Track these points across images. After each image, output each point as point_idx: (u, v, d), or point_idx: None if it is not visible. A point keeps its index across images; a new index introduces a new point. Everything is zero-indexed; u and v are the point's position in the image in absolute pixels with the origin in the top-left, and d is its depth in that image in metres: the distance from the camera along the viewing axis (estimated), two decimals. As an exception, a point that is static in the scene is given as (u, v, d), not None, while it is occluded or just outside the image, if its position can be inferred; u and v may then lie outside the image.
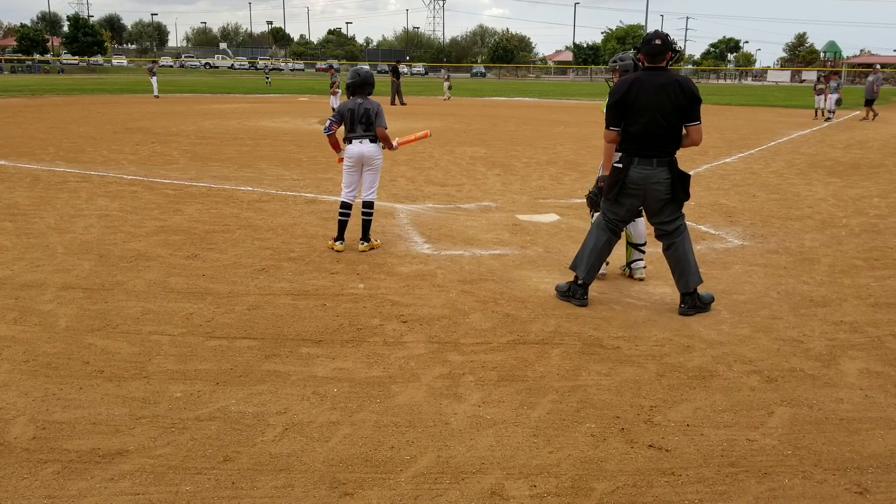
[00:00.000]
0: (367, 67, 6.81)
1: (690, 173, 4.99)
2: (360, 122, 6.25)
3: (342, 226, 6.53)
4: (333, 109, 20.01)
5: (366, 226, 6.50)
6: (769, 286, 5.64)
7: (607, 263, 5.64)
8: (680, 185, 4.85)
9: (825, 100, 24.67)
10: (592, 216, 5.66)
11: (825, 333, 4.66)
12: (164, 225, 7.33)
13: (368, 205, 6.50)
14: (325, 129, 6.39)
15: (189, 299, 5.08)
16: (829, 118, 24.30)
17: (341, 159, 6.46)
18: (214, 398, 3.61)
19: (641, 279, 5.74)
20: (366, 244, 6.47)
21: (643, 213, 5.26)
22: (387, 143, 6.39)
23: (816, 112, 25.44)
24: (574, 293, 5.13)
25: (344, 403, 3.59)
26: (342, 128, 6.36)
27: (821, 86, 25.11)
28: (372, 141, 6.30)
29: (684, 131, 4.84)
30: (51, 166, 11.23)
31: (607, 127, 4.89)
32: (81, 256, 6.11)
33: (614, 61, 5.65)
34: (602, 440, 3.28)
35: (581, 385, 3.84)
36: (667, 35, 4.81)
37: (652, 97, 4.68)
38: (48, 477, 2.92)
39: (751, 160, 13.67)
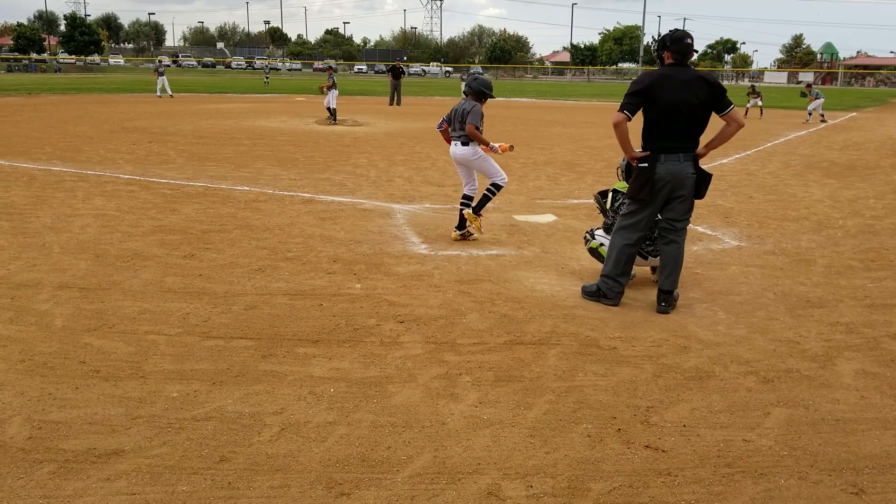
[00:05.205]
0: (487, 76, 7.36)
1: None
2: (457, 121, 6.70)
3: (460, 215, 6.98)
4: (329, 109, 20.09)
5: (484, 200, 6.91)
6: (766, 287, 5.65)
7: (633, 275, 5.65)
8: (703, 182, 4.94)
9: (812, 103, 24.88)
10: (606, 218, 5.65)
11: (821, 334, 4.67)
12: (161, 224, 7.32)
13: (494, 185, 6.87)
14: (438, 125, 6.96)
15: (186, 299, 5.07)
16: (824, 120, 24.56)
17: None
18: (211, 398, 3.61)
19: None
20: (476, 217, 6.85)
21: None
22: (476, 139, 6.65)
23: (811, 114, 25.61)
24: (607, 293, 5.16)
25: (340, 403, 3.59)
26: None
27: (805, 92, 25.38)
28: (464, 143, 6.69)
29: (724, 122, 4.90)
30: (47, 165, 11.20)
31: (621, 109, 4.80)
32: (78, 256, 6.09)
33: None
34: (598, 441, 3.29)
35: (578, 385, 3.84)
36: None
37: (678, 93, 4.73)
38: (44, 477, 2.91)
39: (747, 161, 13.69)
